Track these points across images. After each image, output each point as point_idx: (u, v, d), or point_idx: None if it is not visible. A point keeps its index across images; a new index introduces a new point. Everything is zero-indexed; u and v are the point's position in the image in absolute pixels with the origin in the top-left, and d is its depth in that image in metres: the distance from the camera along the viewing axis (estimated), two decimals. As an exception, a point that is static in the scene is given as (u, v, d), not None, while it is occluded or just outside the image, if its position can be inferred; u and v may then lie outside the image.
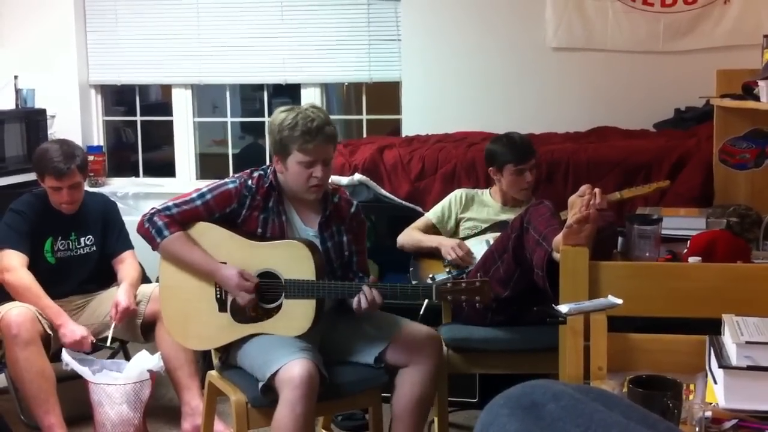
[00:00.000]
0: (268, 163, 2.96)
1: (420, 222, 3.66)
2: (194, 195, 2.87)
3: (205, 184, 2.92)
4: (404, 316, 2.99)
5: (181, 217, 2.85)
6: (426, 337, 2.84)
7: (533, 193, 3.71)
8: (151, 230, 2.84)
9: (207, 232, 2.86)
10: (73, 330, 3.41)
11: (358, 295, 2.72)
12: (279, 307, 2.79)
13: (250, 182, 2.86)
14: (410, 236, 3.62)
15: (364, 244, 3.05)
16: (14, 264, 3.46)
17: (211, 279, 2.85)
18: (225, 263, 2.82)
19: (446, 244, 3.48)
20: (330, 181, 3.82)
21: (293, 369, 2.57)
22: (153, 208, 2.87)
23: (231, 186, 2.86)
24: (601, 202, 2.68)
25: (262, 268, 2.81)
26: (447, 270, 3.46)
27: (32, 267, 3.50)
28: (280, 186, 2.88)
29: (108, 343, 3.52)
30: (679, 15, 4.48)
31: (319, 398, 2.63)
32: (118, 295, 3.51)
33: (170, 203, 2.87)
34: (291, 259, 2.78)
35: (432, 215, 3.65)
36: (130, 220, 2.99)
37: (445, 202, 3.67)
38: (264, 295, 2.81)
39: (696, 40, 4.47)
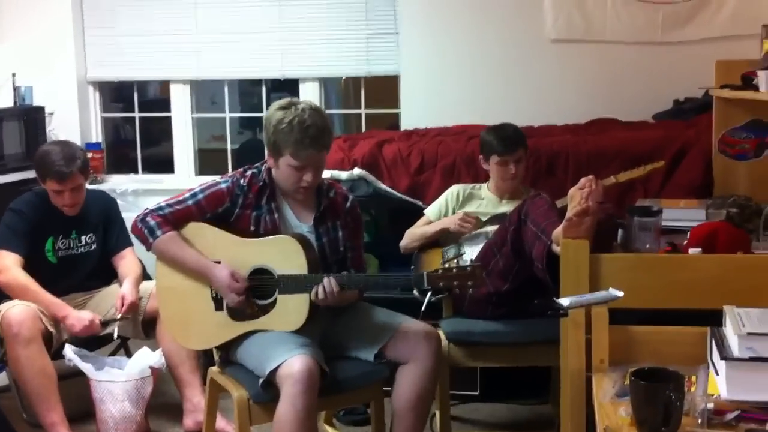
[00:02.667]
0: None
1: (419, 222, 3.66)
2: (186, 195, 2.87)
3: (200, 183, 2.91)
4: (406, 312, 2.98)
5: (174, 217, 2.85)
6: (424, 334, 2.83)
7: (532, 185, 3.71)
8: (143, 230, 2.85)
9: (200, 232, 2.86)
10: (79, 317, 3.41)
11: (316, 286, 2.71)
12: (274, 302, 2.79)
13: (242, 181, 2.86)
14: (412, 234, 3.62)
15: (360, 239, 3.04)
16: (7, 264, 3.45)
17: (205, 278, 2.85)
18: (219, 262, 2.82)
19: (452, 221, 3.49)
20: (329, 175, 3.84)
21: (293, 365, 2.56)
22: (146, 209, 2.88)
23: (223, 186, 2.86)
24: (597, 190, 2.66)
25: (255, 264, 2.80)
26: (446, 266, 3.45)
27: (34, 266, 3.50)
28: (274, 182, 2.88)
29: (114, 335, 3.52)
30: (677, 5, 4.47)
31: (320, 393, 2.63)
32: (124, 289, 3.52)
33: (163, 203, 2.87)
34: (282, 255, 2.78)
35: (430, 213, 3.65)
36: (130, 217, 2.99)
37: (441, 199, 3.67)
38: (259, 291, 2.81)
39: (695, 30, 4.45)
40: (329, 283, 2.70)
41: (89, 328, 3.41)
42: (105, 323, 3.50)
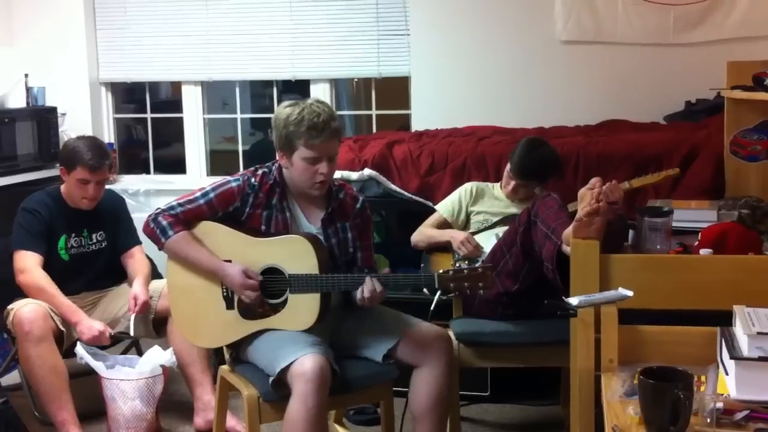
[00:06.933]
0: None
1: (432, 219, 3.67)
2: (198, 194, 2.88)
3: (210, 183, 2.93)
4: (415, 312, 2.98)
5: (185, 216, 2.86)
6: (435, 337, 2.83)
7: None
8: (155, 230, 2.86)
9: (211, 231, 2.87)
10: (90, 326, 3.43)
11: (360, 287, 2.72)
12: (285, 302, 2.80)
13: (253, 180, 2.87)
14: (423, 233, 3.63)
15: (370, 240, 3.04)
16: (29, 265, 3.48)
17: (217, 277, 2.86)
18: (230, 261, 2.83)
19: (456, 238, 3.48)
20: (340, 176, 3.85)
21: (305, 363, 2.57)
22: (158, 209, 2.89)
23: (234, 184, 2.87)
24: (614, 192, 2.67)
25: (266, 264, 2.81)
26: (457, 266, 3.46)
27: (47, 264, 3.52)
28: (285, 182, 2.89)
29: (131, 333, 3.54)
30: (689, 7, 4.46)
31: (331, 392, 2.64)
32: (135, 289, 3.54)
33: (174, 203, 2.88)
34: (294, 254, 2.78)
35: (443, 210, 3.65)
36: (141, 217, 3.00)
37: (454, 195, 3.67)
38: (269, 290, 2.81)
39: (706, 31, 4.44)
40: (371, 282, 2.70)
41: (97, 339, 3.43)
42: (114, 338, 3.55)
